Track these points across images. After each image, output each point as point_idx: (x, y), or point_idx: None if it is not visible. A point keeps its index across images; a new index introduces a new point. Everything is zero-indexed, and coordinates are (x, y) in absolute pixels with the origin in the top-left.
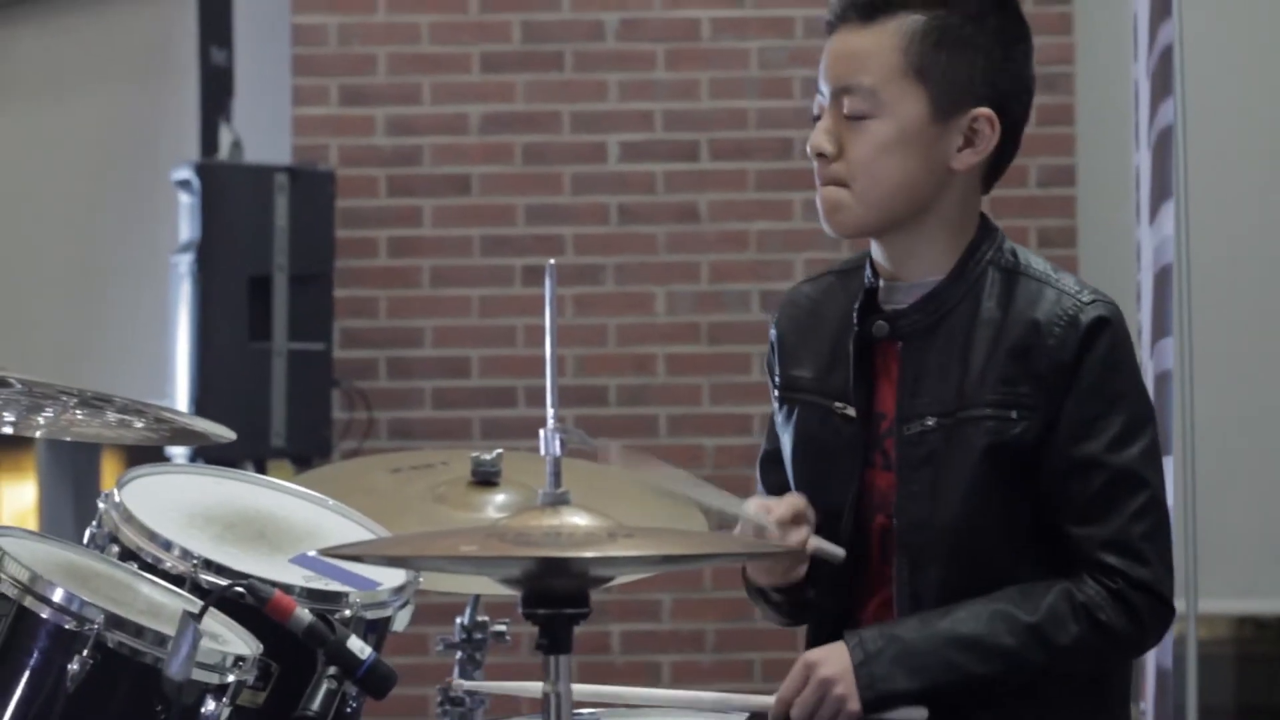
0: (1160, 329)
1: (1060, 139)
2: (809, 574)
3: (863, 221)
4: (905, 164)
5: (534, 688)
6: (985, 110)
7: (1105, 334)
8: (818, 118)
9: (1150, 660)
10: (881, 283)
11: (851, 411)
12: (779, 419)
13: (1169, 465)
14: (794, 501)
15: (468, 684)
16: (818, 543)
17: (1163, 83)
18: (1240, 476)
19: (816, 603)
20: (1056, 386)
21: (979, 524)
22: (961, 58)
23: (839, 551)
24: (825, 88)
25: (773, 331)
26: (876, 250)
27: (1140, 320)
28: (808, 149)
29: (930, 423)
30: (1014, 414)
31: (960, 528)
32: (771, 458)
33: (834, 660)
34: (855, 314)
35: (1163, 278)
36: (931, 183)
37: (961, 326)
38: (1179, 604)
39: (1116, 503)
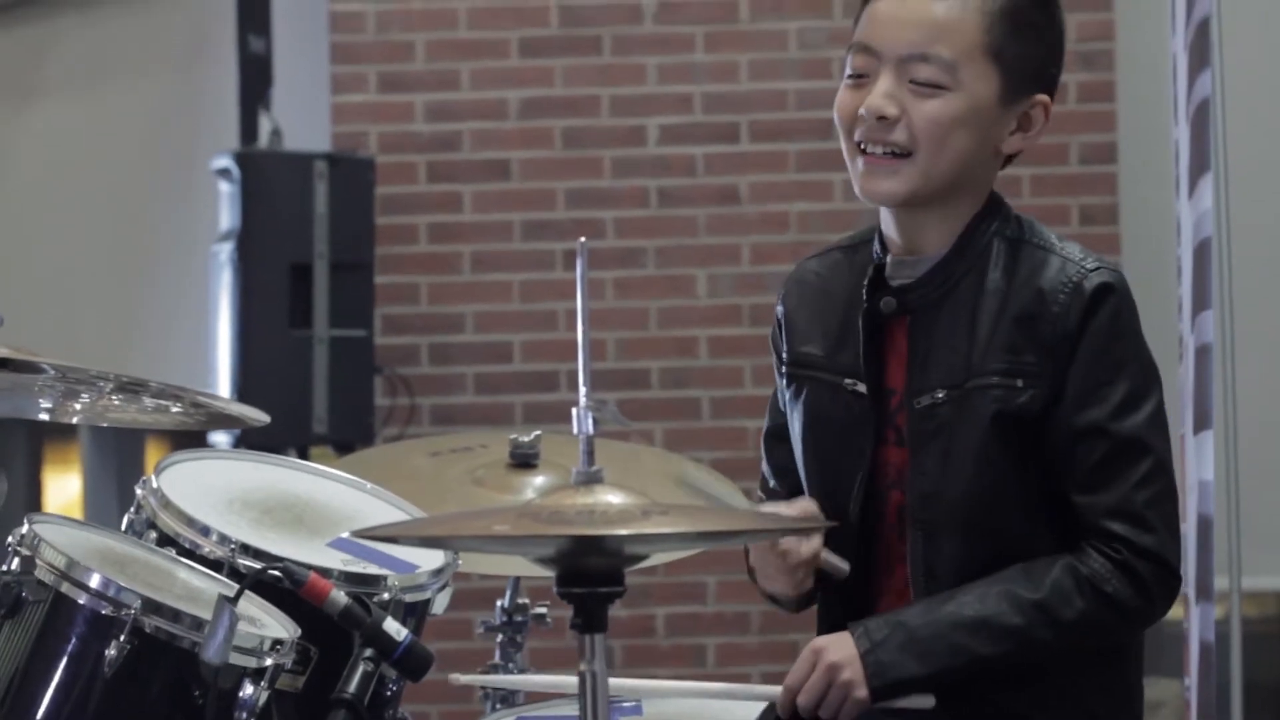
0: (1200, 302)
1: (1101, 116)
2: (817, 575)
3: (918, 191)
4: (969, 141)
5: (535, 681)
6: (1044, 97)
7: (1109, 301)
8: (856, 76)
9: (1194, 636)
10: (889, 257)
11: (862, 388)
12: (786, 396)
13: (1210, 440)
14: (805, 506)
15: (465, 678)
16: (826, 555)
17: (1200, 54)
18: None
19: (834, 587)
20: (1061, 354)
21: (990, 494)
22: (1032, 44)
23: (844, 566)
24: (882, 49)
25: (779, 309)
26: (889, 224)
27: (1180, 294)
28: (861, 110)
29: (940, 395)
30: (1019, 382)
31: (972, 498)
32: (775, 434)
33: (841, 646)
34: (864, 290)
35: (1202, 251)
36: (981, 161)
37: (968, 298)
38: (1222, 581)
39: (1120, 470)
